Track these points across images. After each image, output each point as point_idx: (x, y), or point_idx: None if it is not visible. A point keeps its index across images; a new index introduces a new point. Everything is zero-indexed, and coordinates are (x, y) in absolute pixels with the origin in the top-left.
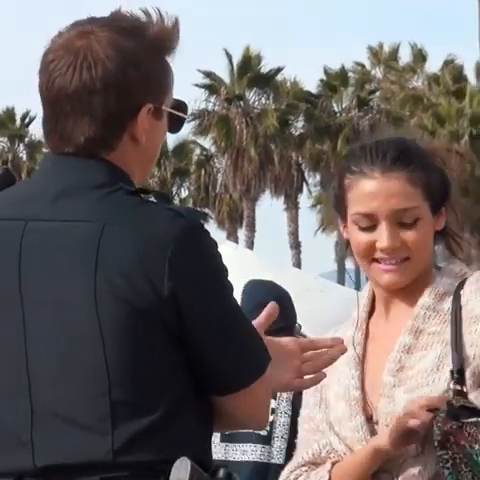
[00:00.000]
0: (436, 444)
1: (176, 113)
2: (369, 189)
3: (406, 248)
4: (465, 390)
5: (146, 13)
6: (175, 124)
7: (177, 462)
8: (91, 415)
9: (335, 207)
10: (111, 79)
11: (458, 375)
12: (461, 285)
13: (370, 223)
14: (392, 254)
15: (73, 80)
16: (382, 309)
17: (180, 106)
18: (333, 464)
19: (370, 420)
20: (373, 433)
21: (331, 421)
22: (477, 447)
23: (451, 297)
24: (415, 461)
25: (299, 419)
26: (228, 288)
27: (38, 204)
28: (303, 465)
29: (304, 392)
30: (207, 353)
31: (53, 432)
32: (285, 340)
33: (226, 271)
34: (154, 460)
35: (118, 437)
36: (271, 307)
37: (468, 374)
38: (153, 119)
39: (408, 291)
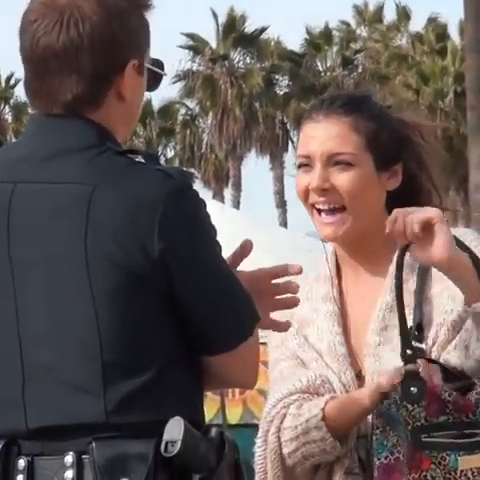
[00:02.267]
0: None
1: (156, 70)
2: (310, 131)
3: (338, 194)
4: (425, 347)
5: None
6: (154, 81)
7: (170, 421)
8: (83, 376)
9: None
10: (97, 35)
11: (417, 332)
12: None
13: (307, 163)
14: (325, 196)
15: (60, 37)
16: (348, 270)
17: (158, 63)
18: (327, 402)
19: (359, 376)
20: None
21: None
22: (391, 401)
23: None
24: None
25: (270, 362)
26: (217, 249)
27: (27, 166)
28: (293, 394)
29: (273, 335)
30: (195, 313)
31: (45, 393)
32: (256, 274)
33: (215, 231)
34: (147, 420)
35: (110, 398)
36: (246, 244)
37: (433, 330)
38: (137, 75)
39: (367, 250)
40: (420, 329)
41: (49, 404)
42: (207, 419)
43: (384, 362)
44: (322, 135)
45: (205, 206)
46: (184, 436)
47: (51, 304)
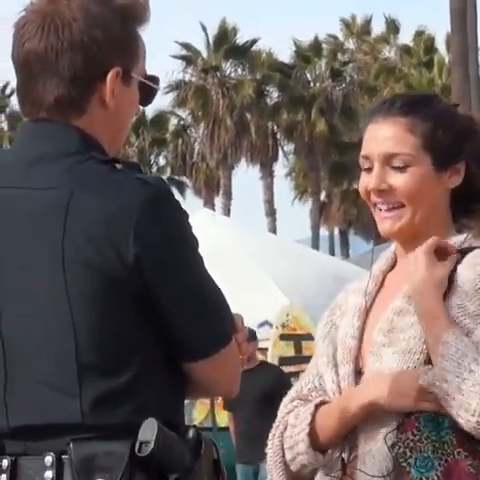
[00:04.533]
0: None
1: (147, 82)
2: (370, 133)
3: (396, 194)
4: None
5: None
6: (146, 96)
7: (144, 423)
8: (60, 377)
9: None
10: (77, 40)
11: None
12: (462, 256)
13: (368, 165)
14: (382, 197)
15: (41, 41)
16: (400, 267)
17: (152, 78)
18: (317, 406)
19: (359, 372)
20: (357, 385)
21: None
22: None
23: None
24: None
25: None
26: (196, 256)
27: (12, 172)
28: (294, 400)
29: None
30: (174, 320)
31: (25, 393)
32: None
33: (196, 241)
34: (124, 422)
35: (86, 399)
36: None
37: None
38: (122, 84)
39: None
40: None
41: (29, 404)
42: (197, 422)
43: (384, 363)
44: (380, 136)
45: (186, 215)
46: (157, 437)
47: (29, 306)
